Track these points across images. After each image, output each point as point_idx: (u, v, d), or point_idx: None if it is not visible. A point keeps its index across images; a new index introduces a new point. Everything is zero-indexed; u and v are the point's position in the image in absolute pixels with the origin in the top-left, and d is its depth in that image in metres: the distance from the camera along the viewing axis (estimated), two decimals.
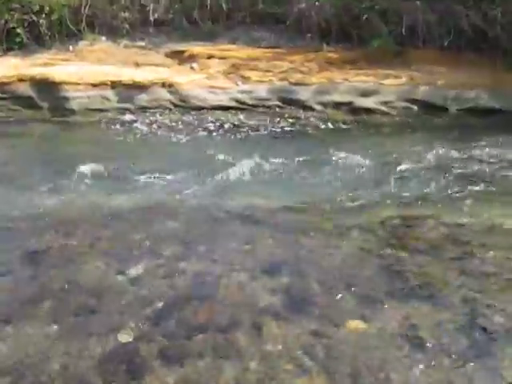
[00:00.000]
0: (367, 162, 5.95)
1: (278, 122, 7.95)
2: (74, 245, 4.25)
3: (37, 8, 9.66)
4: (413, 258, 3.97)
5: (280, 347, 3.03)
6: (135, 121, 8.12)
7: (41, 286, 3.68)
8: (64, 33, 10.20)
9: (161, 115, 8.42)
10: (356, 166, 5.85)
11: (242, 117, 8.28)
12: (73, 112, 8.45)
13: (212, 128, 7.78)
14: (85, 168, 5.75)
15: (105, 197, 5.18)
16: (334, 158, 6.03)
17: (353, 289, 3.58)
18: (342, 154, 6.10)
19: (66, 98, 8.53)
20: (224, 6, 10.35)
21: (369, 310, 3.36)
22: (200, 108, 8.64)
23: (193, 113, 8.51)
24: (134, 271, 3.84)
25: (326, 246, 4.18)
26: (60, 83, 8.57)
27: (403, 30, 9.13)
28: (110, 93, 8.69)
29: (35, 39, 9.94)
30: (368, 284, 3.65)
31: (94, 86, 8.69)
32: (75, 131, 7.93)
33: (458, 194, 5.08)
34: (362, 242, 4.23)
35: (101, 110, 8.56)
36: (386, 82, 8.63)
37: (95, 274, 3.83)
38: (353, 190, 5.24)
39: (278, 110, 8.60)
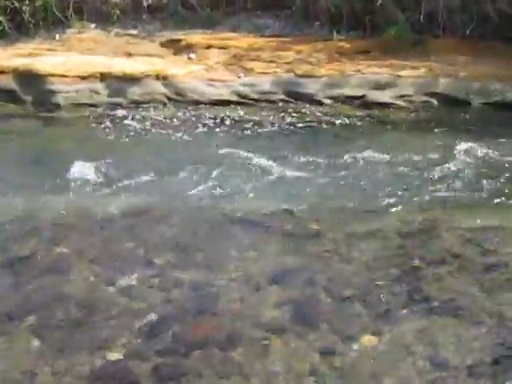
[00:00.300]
0: (382, 161, 5.94)
1: (284, 118, 7.92)
2: (60, 252, 4.26)
3: None
4: (432, 268, 3.96)
5: (286, 366, 3.05)
6: (127, 117, 8.11)
7: (23, 298, 3.69)
8: (49, 20, 10.24)
9: (155, 110, 8.39)
10: (370, 166, 5.84)
11: (243, 112, 8.22)
12: (59, 107, 8.44)
13: (211, 124, 7.77)
14: (72, 168, 5.74)
15: (94, 200, 5.19)
16: (345, 158, 6.02)
17: (366, 301, 3.59)
18: (355, 154, 6.09)
19: (52, 92, 8.53)
20: None
21: (384, 325, 3.36)
22: (198, 102, 8.57)
23: (190, 108, 8.47)
24: (126, 281, 3.85)
25: (336, 254, 4.18)
26: (45, 75, 8.58)
27: (421, 17, 9.11)
28: (99, 86, 8.67)
29: (18, 27, 9.98)
30: (383, 296, 3.65)
31: (82, 78, 8.66)
32: (61, 128, 7.93)
33: (484, 197, 5.05)
34: (377, 249, 4.23)
35: (89, 105, 8.50)
36: (403, 73, 8.61)
37: (83, 285, 3.84)
38: (367, 193, 5.24)
39: (283, 104, 8.54)
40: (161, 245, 4.35)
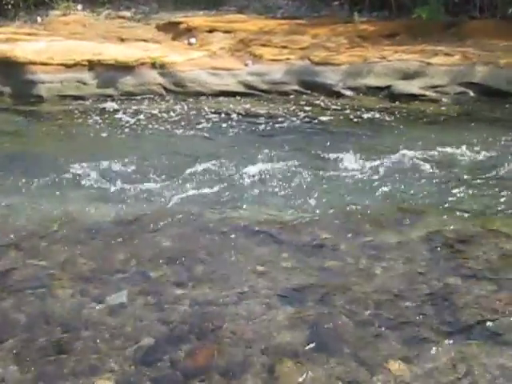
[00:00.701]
0: (411, 161, 5.94)
1: (298, 112, 7.93)
2: (43, 265, 4.26)
3: None
4: (468, 284, 3.94)
5: None
6: (118, 110, 8.16)
7: (0, 318, 3.69)
8: (31, 0, 10.32)
9: (150, 103, 8.47)
10: (398, 166, 5.84)
11: (251, 105, 8.28)
12: (41, 99, 8.52)
13: (214, 119, 7.79)
14: (56, 170, 5.78)
15: (80, 206, 5.19)
16: (369, 158, 6.01)
17: (392, 323, 3.57)
18: (379, 153, 6.09)
19: (33, 82, 8.61)
20: None
21: (413, 351, 3.34)
22: (199, 94, 8.69)
23: (190, 100, 8.55)
24: (117, 299, 3.86)
25: (357, 269, 4.16)
26: (25, 63, 8.66)
27: None
28: (87, 75, 8.76)
29: None
30: (411, 316, 3.63)
31: (68, 66, 8.76)
32: (44, 123, 7.96)
33: None
34: (404, 263, 4.21)
35: (76, 98, 8.62)
36: (434, 60, 8.61)
37: (68, 303, 3.83)
38: (394, 197, 5.22)
39: (297, 96, 8.61)
40: (156, 257, 4.35)
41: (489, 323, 3.55)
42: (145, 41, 9.81)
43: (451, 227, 4.68)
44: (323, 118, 7.69)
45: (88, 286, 4.01)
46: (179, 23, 10.32)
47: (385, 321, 3.60)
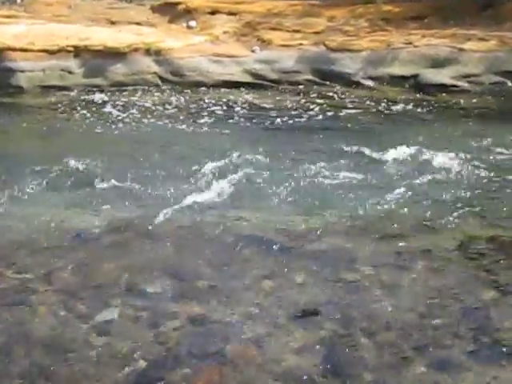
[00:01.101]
0: (441, 161, 5.92)
1: (311, 106, 7.97)
2: (22, 278, 4.24)
3: None
4: (505, 300, 3.91)
5: None
6: (108, 103, 8.19)
7: None
8: None
9: (144, 95, 8.53)
10: (426, 166, 5.82)
11: (259, 98, 8.32)
12: (21, 90, 8.57)
13: (216, 114, 7.83)
14: (38, 171, 5.79)
15: (66, 211, 5.18)
16: (392, 157, 6.02)
17: (419, 344, 3.54)
18: (406, 151, 6.09)
19: (12, 71, 8.66)
20: None
21: (443, 376, 3.32)
22: (200, 85, 8.79)
23: (189, 91, 8.59)
24: (106, 316, 3.84)
25: (377, 282, 4.14)
26: (2, 49, 8.70)
27: None
28: (72, 63, 8.83)
29: None
30: (441, 337, 3.61)
31: (51, 53, 8.83)
32: (24, 118, 8.00)
33: None
34: (433, 275, 4.18)
35: (60, 88, 8.70)
36: (467, 46, 8.61)
37: (52, 321, 3.81)
38: (421, 201, 5.20)
39: (310, 87, 8.66)
40: (151, 268, 4.33)
41: None
42: (138, 24, 9.85)
43: (486, 234, 4.66)
44: (340, 113, 7.72)
45: (73, 301, 3.99)
46: (177, 4, 10.36)
47: (410, 343, 3.57)
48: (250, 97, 8.34)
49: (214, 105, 8.07)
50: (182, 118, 7.69)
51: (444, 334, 3.65)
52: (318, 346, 3.56)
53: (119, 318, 3.83)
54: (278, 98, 8.26)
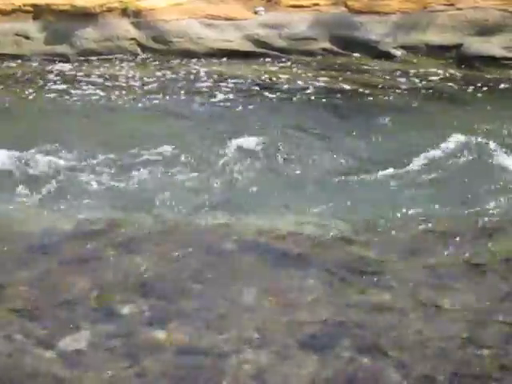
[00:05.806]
0: (492, 153, 5.75)
1: (329, 81, 7.82)
2: None
3: None
4: None
5: None
6: (75, 76, 8.04)
7: None
8: None
9: (120, 66, 8.33)
10: (473, 160, 5.68)
11: (262, 71, 8.16)
12: None
13: (210, 91, 7.67)
14: None
15: (24, 213, 5.05)
16: (432, 147, 5.84)
17: (461, 377, 3.46)
18: (446, 141, 5.90)
19: None
20: None
21: None
22: (189, 54, 8.54)
23: (176, 62, 8.41)
24: (72, 344, 3.72)
25: (413, 302, 3.99)
26: None
27: None
28: (31, 26, 8.61)
29: None
30: (488, 369, 3.52)
31: (4, 14, 8.59)
32: None
33: None
34: (478, 295, 4.03)
35: (15, 57, 8.52)
36: None
37: (6, 347, 3.71)
38: (465, 204, 5.04)
39: (328, 58, 8.47)
40: (128, 284, 4.20)
41: None
42: None
43: None
44: (364, 90, 7.60)
45: (33, 324, 3.90)
46: None
47: (451, 376, 3.44)
48: (253, 70, 8.18)
49: (209, 79, 7.95)
50: (167, 96, 7.57)
51: (490, 364, 3.55)
52: (334, 381, 3.44)
53: (89, 346, 3.69)
54: (288, 70, 8.13)
